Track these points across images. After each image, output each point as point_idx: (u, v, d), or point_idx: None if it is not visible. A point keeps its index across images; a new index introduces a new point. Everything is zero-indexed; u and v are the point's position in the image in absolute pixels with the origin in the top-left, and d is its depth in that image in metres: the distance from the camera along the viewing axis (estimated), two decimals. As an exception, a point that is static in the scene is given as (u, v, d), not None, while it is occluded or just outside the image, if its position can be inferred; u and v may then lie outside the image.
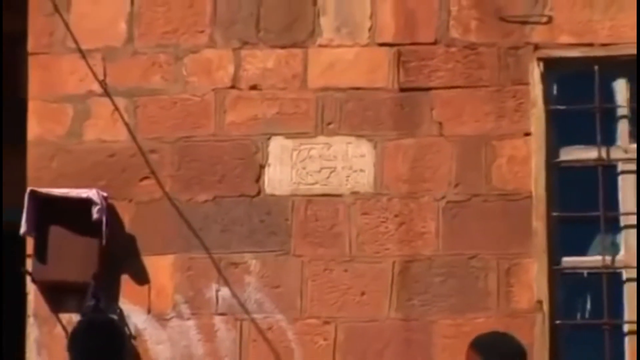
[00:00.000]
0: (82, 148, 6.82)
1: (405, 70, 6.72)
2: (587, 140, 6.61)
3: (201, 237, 6.67)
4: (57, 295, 6.69)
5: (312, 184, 6.71)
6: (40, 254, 6.63)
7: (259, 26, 6.85)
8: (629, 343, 6.52)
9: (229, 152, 6.77)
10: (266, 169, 6.73)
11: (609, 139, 6.62)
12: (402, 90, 6.69)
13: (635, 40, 6.60)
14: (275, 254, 6.65)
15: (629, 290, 6.53)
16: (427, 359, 6.55)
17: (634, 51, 6.59)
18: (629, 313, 6.52)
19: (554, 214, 6.51)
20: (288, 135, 6.74)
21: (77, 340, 4.38)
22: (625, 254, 6.55)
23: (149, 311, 6.68)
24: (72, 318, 6.51)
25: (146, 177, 6.76)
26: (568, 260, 6.55)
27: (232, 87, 6.81)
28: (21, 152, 6.83)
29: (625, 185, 6.62)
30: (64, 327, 6.56)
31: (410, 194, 6.63)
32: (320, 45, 6.79)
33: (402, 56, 6.73)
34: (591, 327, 6.55)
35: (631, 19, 6.65)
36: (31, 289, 6.70)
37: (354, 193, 6.66)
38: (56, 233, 6.62)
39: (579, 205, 6.58)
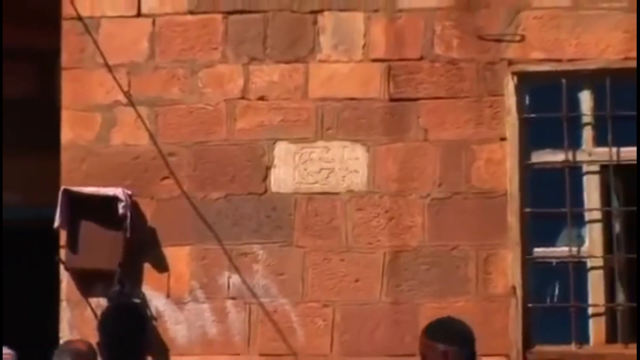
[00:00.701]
0: (109, 151, 6.83)
1: (395, 83, 6.72)
2: (556, 144, 6.62)
3: (214, 230, 6.69)
4: (87, 282, 6.71)
5: (313, 183, 6.72)
6: (72, 245, 6.66)
7: (266, 44, 6.84)
8: (593, 324, 6.54)
9: (239, 155, 6.77)
10: (272, 170, 6.75)
11: (575, 144, 6.63)
12: (392, 100, 6.70)
13: (596, 56, 6.61)
14: (280, 245, 6.67)
15: (593, 277, 6.56)
16: (413, 337, 6.03)
17: (596, 66, 6.62)
18: (593, 297, 6.54)
19: (526, 210, 6.53)
20: (291, 140, 6.74)
21: (106, 322, 4.42)
22: (589, 246, 6.58)
23: (168, 295, 6.70)
24: (100, 302, 6.58)
25: (166, 177, 6.79)
26: (539, 251, 6.59)
27: (242, 97, 6.81)
28: (55, 155, 6.84)
29: (589, 185, 6.64)
30: (93, 310, 6.59)
31: (399, 192, 6.65)
32: (320, 61, 6.79)
33: (392, 70, 6.73)
34: (559, 309, 6.55)
35: (594, 37, 6.64)
36: (64, 276, 6.74)
37: (350, 191, 6.68)
38: (86, 226, 6.66)
39: (549, 202, 6.60)
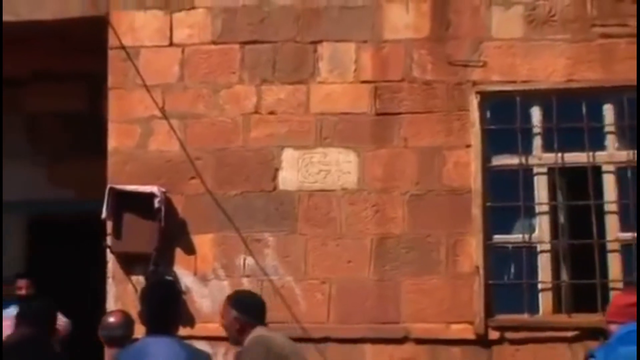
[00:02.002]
0: (147, 156, 6.85)
1: (380, 100, 6.72)
2: (511, 150, 6.62)
3: (232, 220, 6.69)
4: (129, 263, 6.73)
5: (313, 182, 6.73)
6: (117, 233, 6.68)
7: (275, 68, 6.84)
8: (542, 297, 6.53)
9: (252, 159, 6.77)
10: (279, 171, 6.76)
11: (527, 150, 6.64)
12: (378, 114, 6.71)
13: (545, 78, 6.62)
14: (286, 233, 6.68)
15: (541, 259, 6.56)
16: (395, 309, 6.54)
17: (545, 87, 6.61)
18: (541, 275, 6.53)
19: (488, 204, 6.55)
20: (295, 147, 6.76)
21: (145, 295, 4.43)
22: (538, 233, 6.59)
23: (195, 274, 6.69)
24: (139, 279, 6.62)
25: (193, 177, 6.78)
26: (498, 238, 6.59)
27: (255, 112, 6.81)
28: (102, 160, 6.86)
29: (539, 184, 6.64)
30: (133, 286, 6.61)
31: (384, 189, 6.66)
32: (319, 82, 6.80)
33: (378, 90, 6.73)
34: (514, 285, 6.55)
35: (543, 63, 6.63)
36: (110, 258, 6.75)
37: (343, 189, 6.69)
38: (128, 217, 6.67)
39: (505, 198, 6.59)
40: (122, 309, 5.87)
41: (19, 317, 4.97)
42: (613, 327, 4.37)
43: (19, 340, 4.79)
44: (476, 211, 6.57)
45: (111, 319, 5.23)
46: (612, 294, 6.34)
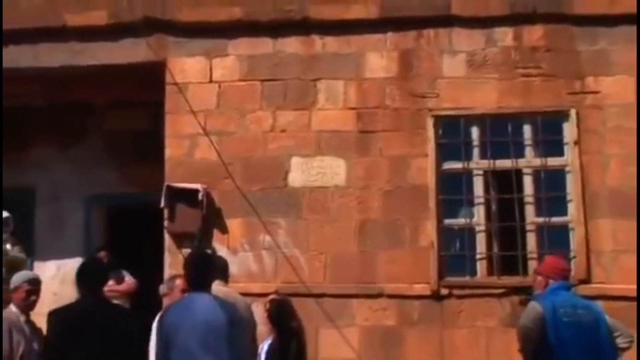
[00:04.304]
0: (193, 162, 6.84)
1: (362, 122, 6.74)
2: (457, 158, 6.66)
3: (255, 209, 6.70)
4: (179, 239, 6.73)
5: (313, 181, 6.74)
6: (171, 217, 6.69)
7: (285, 98, 6.85)
8: (479, 264, 6.53)
9: (270, 165, 6.78)
10: (289, 173, 6.76)
11: (468, 158, 6.66)
12: (360, 132, 6.74)
13: (481, 106, 6.60)
14: (294, 218, 6.69)
15: (479, 237, 6.59)
16: (373, 273, 6.53)
17: (481, 112, 6.60)
18: (479, 248, 6.55)
19: (440, 197, 6.58)
20: (301, 156, 6.77)
21: (190, 262, 4.35)
22: (477, 218, 6.61)
23: (227, 247, 6.68)
24: (187, 251, 6.33)
25: (226, 177, 6.77)
26: (447, 221, 6.62)
27: (271, 130, 6.82)
28: (161, 165, 6.85)
29: (477, 182, 6.64)
30: (182, 256, 6.43)
31: (365, 186, 6.69)
32: (318, 109, 6.81)
33: (360, 114, 6.76)
34: (459, 256, 6.61)
35: (480, 95, 6.62)
36: (166, 236, 6.76)
37: (335, 186, 6.71)
38: (179, 206, 6.66)
39: (453, 193, 6.63)
40: (176, 273, 5.70)
41: (78, 277, 4.57)
42: (540, 279, 4.41)
43: (85, 299, 4.45)
44: (431, 202, 6.59)
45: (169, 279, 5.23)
46: (529, 262, 6.38)
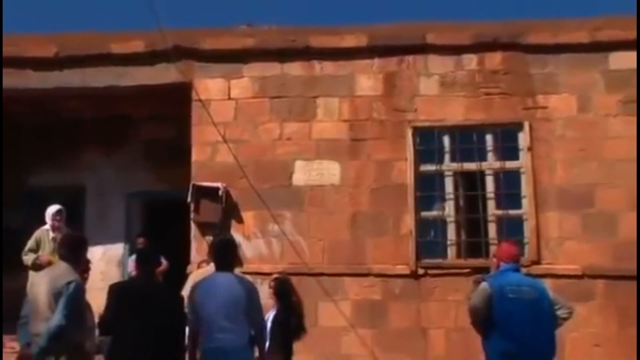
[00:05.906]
0: (215, 164, 6.80)
1: (354, 132, 6.73)
2: (431, 162, 6.64)
3: (265, 203, 6.68)
4: (204, 228, 6.69)
5: (314, 181, 6.71)
6: (196, 210, 6.64)
7: (290, 112, 6.82)
8: (449, 249, 6.52)
9: (278, 167, 6.75)
10: (294, 174, 6.73)
11: (440, 162, 6.65)
12: (352, 140, 6.72)
13: (452, 118, 6.54)
14: (298, 211, 6.66)
15: (449, 227, 6.58)
16: (362, 256, 6.52)
17: (452, 123, 6.56)
18: (449, 235, 6.54)
19: (417, 194, 6.53)
20: (303, 160, 6.74)
21: (213, 247, 4.42)
22: (447, 210, 6.59)
23: (243, 235, 6.66)
24: (209, 238, 6.43)
25: (242, 178, 6.74)
26: (424, 214, 6.59)
27: (279, 139, 6.79)
28: (188, 167, 6.79)
29: (447, 182, 6.63)
30: (206, 242, 6.45)
31: (355, 185, 6.67)
32: (317, 121, 6.78)
33: (352, 126, 6.74)
34: (433, 242, 6.58)
35: (450, 109, 6.58)
36: (193, 226, 6.73)
37: (332, 185, 6.69)
38: (203, 201, 6.63)
39: (429, 190, 6.64)
40: (204, 258, 5.86)
41: (137, 260, 4.65)
42: (495, 261, 4.40)
43: (140, 277, 4.51)
44: (410, 198, 6.60)
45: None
46: (491, 247, 6.35)
